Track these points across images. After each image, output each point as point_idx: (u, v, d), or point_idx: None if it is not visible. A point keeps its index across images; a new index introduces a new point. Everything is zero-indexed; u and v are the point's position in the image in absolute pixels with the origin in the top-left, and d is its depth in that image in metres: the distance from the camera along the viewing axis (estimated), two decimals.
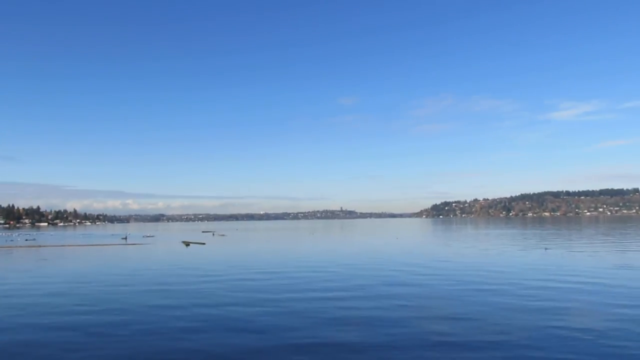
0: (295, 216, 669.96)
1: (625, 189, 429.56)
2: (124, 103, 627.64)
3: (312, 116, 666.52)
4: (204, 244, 63.55)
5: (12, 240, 78.92)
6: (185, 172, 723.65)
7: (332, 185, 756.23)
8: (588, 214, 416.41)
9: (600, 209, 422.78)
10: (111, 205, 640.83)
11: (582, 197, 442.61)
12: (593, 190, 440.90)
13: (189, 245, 61.26)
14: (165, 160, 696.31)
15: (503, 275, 25.66)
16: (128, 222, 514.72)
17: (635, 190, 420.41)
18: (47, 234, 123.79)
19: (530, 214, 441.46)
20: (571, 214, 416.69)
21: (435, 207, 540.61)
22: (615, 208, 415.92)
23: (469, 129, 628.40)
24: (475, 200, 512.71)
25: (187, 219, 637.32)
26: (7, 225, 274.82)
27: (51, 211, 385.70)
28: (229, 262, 35.63)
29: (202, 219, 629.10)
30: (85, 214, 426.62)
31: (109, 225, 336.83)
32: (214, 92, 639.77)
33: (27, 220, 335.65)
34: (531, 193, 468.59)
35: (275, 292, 21.54)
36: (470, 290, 21.16)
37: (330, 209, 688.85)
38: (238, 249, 52.50)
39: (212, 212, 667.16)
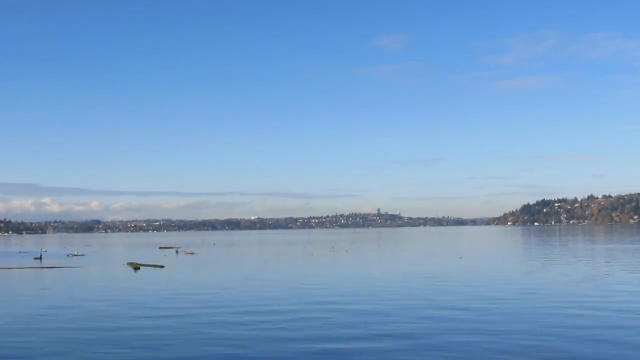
0: (306, 223, 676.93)
1: None
2: (39, 56, 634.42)
3: (332, 67, 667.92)
4: (161, 267, 63.92)
5: None
6: (134, 157, 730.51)
7: (363, 176, 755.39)
8: None
9: None
10: (18, 207, 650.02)
11: None
12: None
13: (138, 269, 61.87)
14: (103, 140, 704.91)
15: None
16: (45, 232, 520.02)
17: None
18: None
19: None
20: None
21: (527, 209, 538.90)
22: None
23: (581, 87, 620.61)
24: (591, 198, 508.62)
25: (137, 227, 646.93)
26: None
27: None
28: (199, 300, 35.12)
29: (159, 228, 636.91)
30: None
31: (15, 236, 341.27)
32: (175, 48, 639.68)
33: None
34: None
35: None
36: None
37: (362, 211, 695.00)
38: (215, 276, 52.60)
39: (174, 217, 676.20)
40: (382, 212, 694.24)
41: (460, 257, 71.17)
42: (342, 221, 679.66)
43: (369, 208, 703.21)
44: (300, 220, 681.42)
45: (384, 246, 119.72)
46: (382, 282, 44.17)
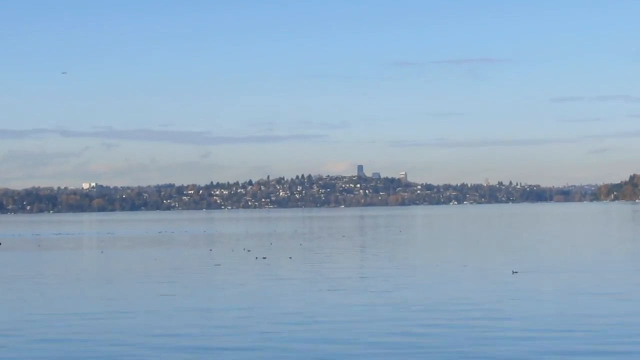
0: (205, 196, 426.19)
1: None
2: None
3: None
4: None
5: None
6: None
7: (330, 96, 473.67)
8: None
9: None
10: None
11: None
12: None
13: None
14: None
15: None
16: None
17: None
18: None
19: None
20: None
21: None
22: None
23: None
24: None
25: None
26: None
27: None
28: None
29: None
30: None
31: None
32: None
33: None
34: None
35: None
36: None
37: (325, 171, 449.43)
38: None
39: None
40: (367, 173, 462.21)
41: (514, 272, 50.53)
42: (282, 193, 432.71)
43: (340, 165, 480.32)
44: (192, 191, 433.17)
45: (364, 248, 79.08)
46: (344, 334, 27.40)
